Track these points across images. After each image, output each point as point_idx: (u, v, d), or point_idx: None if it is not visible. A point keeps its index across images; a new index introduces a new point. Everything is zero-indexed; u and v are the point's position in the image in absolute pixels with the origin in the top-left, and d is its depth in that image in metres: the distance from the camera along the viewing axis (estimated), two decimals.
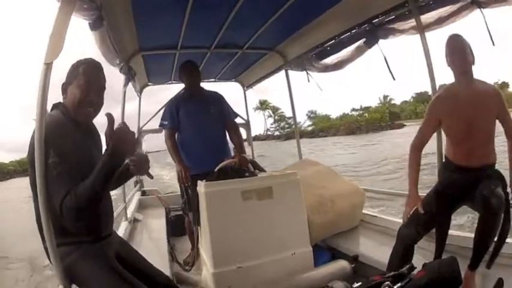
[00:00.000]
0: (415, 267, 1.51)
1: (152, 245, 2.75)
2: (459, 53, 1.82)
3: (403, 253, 1.76)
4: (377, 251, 2.23)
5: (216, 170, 2.26)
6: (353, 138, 40.84)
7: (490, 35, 2.15)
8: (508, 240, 1.77)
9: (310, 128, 62.06)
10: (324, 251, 2.51)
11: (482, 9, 2.10)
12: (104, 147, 1.16)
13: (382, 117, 55.92)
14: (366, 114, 57.66)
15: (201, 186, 2.03)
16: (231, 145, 2.88)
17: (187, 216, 2.81)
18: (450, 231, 1.96)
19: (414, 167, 1.94)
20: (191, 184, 2.54)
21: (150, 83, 4.58)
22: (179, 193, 2.86)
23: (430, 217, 1.80)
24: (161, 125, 2.81)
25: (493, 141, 1.86)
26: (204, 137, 2.71)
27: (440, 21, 2.36)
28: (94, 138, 1.42)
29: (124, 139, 1.14)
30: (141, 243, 2.76)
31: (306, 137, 48.64)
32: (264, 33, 2.98)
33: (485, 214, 1.62)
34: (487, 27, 2.13)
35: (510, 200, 1.74)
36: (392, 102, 64.32)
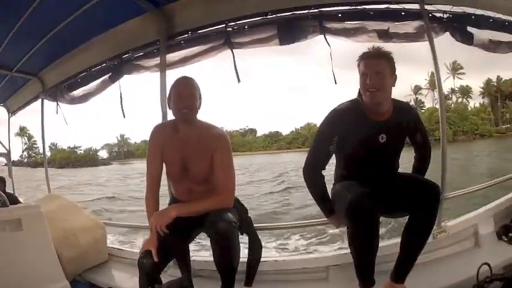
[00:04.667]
0: None
1: None
2: (182, 99, 1.70)
3: (148, 283, 1.66)
4: (131, 282, 2.27)
5: None
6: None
7: (237, 73, 2.36)
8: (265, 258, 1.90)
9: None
10: (84, 287, 2.48)
11: (233, 50, 2.36)
12: None
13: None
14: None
15: None
16: None
17: None
18: (198, 257, 2.19)
19: (150, 214, 1.73)
20: None
21: None
22: None
23: (167, 247, 1.70)
24: None
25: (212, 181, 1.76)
26: None
27: (185, 60, 2.54)
28: None
29: None
30: None
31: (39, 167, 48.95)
32: (32, 56, 2.90)
33: (216, 238, 1.59)
34: (235, 66, 2.35)
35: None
36: (129, 141, 71.30)
